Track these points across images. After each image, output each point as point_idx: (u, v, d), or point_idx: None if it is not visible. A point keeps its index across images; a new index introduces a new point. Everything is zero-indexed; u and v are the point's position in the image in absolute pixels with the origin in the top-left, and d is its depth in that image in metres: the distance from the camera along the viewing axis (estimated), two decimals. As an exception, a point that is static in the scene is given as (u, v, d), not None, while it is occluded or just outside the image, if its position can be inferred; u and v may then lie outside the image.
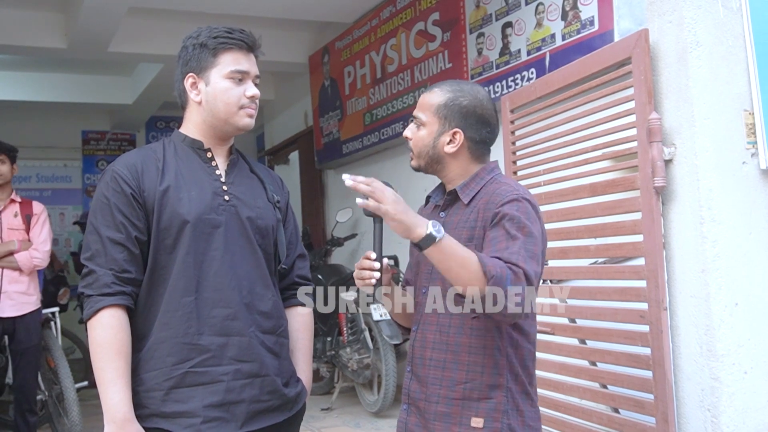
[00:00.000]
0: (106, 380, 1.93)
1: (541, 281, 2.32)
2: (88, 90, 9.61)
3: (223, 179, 2.12)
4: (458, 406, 2.01)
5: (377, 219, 1.94)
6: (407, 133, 2.17)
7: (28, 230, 4.93)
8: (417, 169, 2.20)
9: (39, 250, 4.98)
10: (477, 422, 1.99)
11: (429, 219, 2.07)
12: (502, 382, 2.00)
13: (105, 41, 6.96)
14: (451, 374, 2.03)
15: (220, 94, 2.07)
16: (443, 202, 2.16)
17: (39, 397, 5.24)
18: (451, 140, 2.09)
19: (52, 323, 5.25)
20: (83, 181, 11.00)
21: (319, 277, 6.37)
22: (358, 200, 1.86)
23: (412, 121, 2.17)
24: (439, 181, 2.22)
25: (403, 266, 4.73)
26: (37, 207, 5.06)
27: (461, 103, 2.09)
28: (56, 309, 5.38)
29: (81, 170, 11.04)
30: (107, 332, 1.93)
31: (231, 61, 2.07)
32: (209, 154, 2.13)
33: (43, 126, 10.45)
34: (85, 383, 5.57)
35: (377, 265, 1.97)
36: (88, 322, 1.96)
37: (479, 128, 2.10)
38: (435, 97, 2.12)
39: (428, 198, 2.26)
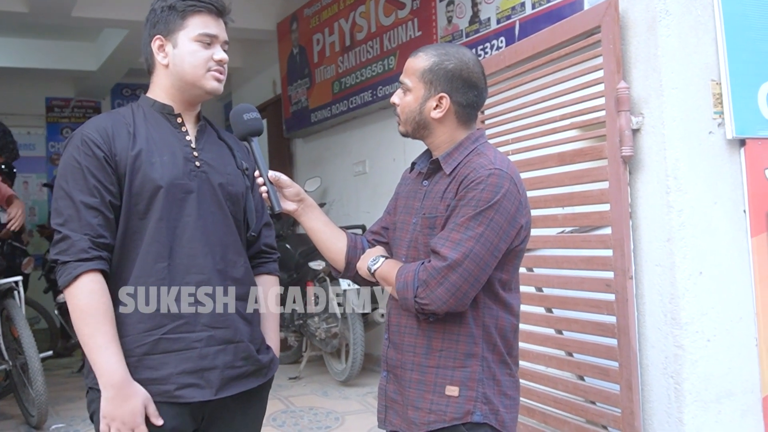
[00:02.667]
0: (98, 346, 1.89)
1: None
2: (51, 56, 9.44)
3: (193, 145, 2.09)
4: (432, 374, 2.01)
5: (249, 140, 2.13)
6: (394, 99, 2.14)
7: None
8: (405, 135, 2.17)
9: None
10: (452, 390, 1.99)
11: (413, 186, 2.16)
12: (477, 351, 2.00)
13: (68, 5, 6.82)
14: (426, 341, 2.03)
15: (188, 57, 2.03)
16: (427, 170, 2.13)
17: (3, 367, 5.18)
18: (437, 105, 2.05)
19: (16, 293, 5.17)
20: (47, 149, 10.84)
21: (287, 246, 6.35)
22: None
23: (399, 86, 2.14)
24: (412, 149, 2.20)
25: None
26: None
27: (447, 67, 2.04)
28: (19, 278, 5.29)
29: (45, 138, 10.88)
30: (90, 297, 1.89)
31: (200, 24, 2.04)
32: (179, 120, 2.10)
33: (6, 92, 10.25)
34: (50, 353, 5.51)
35: (261, 180, 2.10)
36: (67, 289, 1.90)
37: (466, 92, 2.06)
38: (420, 61, 2.08)
39: (413, 164, 2.23)
